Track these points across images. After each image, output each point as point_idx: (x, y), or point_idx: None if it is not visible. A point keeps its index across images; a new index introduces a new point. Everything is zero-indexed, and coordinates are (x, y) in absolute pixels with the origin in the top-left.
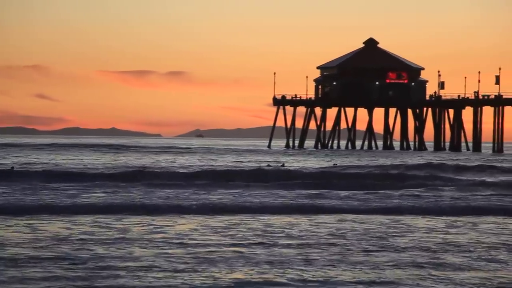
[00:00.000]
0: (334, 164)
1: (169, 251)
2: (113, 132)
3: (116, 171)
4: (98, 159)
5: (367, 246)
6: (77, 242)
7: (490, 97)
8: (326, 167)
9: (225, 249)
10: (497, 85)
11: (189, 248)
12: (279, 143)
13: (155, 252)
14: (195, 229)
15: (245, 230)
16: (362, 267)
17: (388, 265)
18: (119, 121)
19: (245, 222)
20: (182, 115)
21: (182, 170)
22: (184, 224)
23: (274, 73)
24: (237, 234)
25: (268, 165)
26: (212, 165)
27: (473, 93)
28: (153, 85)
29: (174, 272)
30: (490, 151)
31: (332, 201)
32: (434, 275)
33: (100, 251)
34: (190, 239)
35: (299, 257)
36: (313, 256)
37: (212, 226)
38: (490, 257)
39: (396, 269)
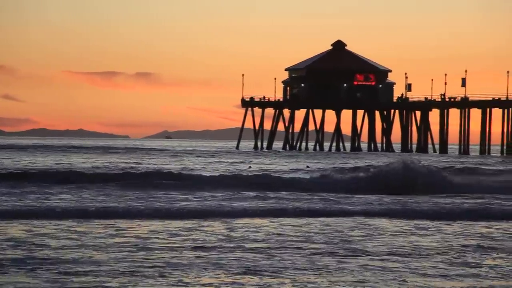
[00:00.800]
0: (307, 166)
1: (133, 255)
2: (81, 133)
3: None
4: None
5: (336, 250)
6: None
7: (457, 100)
8: (300, 169)
9: (189, 252)
10: (463, 88)
11: (153, 252)
12: (247, 145)
13: (119, 256)
14: (156, 233)
15: (208, 233)
16: (331, 271)
17: (359, 269)
18: (86, 122)
19: (206, 225)
20: (150, 116)
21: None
22: (142, 228)
23: (243, 75)
24: (200, 237)
25: (250, 167)
26: (187, 167)
27: (439, 95)
28: (120, 86)
29: (142, 277)
30: (457, 153)
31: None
32: (407, 280)
33: (56, 256)
34: (152, 242)
35: (268, 261)
36: (283, 259)
37: (170, 230)
38: (460, 261)
39: (365, 272)
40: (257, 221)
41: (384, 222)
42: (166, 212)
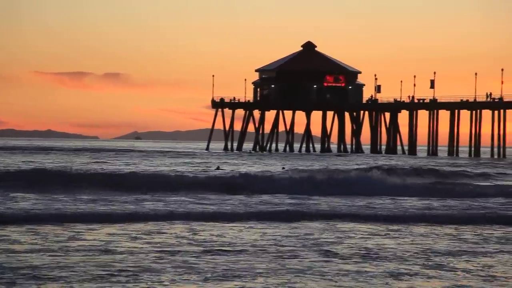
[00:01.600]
0: (282, 168)
1: (96, 258)
2: (49, 134)
3: None
4: None
5: (303, 253)
6: None
7: (425, 101)
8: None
9: (155, 255)
10: (432, 89)
11: (116, 256)
12: (217, 146)
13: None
14: (117, 236)
15: (171, 236)
16: (300, 274)
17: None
18: (55, 123)
19: (167, 228)
20: (120, 117)
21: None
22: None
23: (213, 76)
24: (164, 241)
25: (218, 167)
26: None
27: (408, 97)
28: (89, 86)
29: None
30: (425, 154)
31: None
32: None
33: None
34: (115, 246)
35: (239, 265)
36: (255, 263)
37: (130, 233)
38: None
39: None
40: (220, 224)
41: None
42: (120, 215)
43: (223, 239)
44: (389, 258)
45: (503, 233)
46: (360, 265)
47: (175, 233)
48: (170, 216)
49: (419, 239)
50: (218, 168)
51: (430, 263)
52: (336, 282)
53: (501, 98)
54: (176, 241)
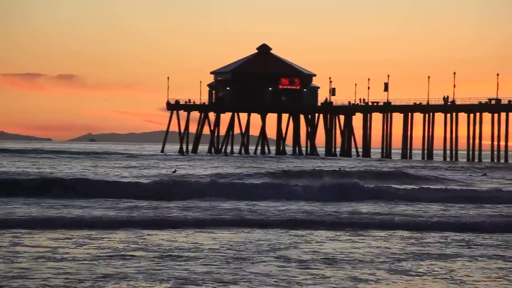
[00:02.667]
0: (173, 171)
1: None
2: (1, 136)
3: None
4: None
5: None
6: None
7: (379, 104)
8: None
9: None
10: (386, 92)
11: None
12: (172, 148)
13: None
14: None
15: (121, 242)
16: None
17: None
18: (7, 125)
19: (114, 234)
20: (74, 119)
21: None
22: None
23: (168, 78)
24: (114, 246)
25: (174, 171)
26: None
27: (359, 100)
28: (42, 88)
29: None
30: (379, 156)
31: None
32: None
33: None
34: (64, 253)
35: (202, 270)
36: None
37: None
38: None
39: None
40: (164, 231)
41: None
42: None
43: (175, 245)
44: (351, 263)
45: (463, 238)
46: (320, 270)
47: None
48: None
49: (377, 243)
50: (174, 172)
51: (384, 267)
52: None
53: (453, 101)
54: (128, 247)
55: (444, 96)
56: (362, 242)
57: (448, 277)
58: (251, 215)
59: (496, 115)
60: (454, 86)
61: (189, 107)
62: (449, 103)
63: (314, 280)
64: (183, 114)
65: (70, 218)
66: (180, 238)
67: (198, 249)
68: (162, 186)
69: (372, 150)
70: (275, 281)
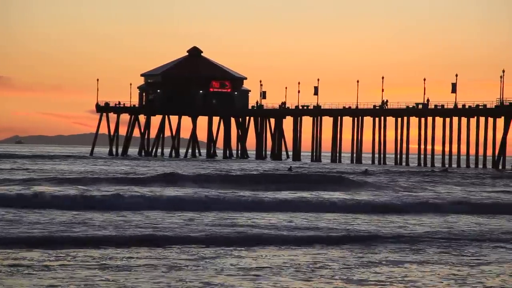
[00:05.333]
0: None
1: None
2: None
3: None
4: None
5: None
6: None
7: (309, 108)
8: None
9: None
10: (316, 96)
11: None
12: (102, 150)
13: None
14: None
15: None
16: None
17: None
18: None
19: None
20: (0, 121)
21: None
22: None
23: (97, 79)
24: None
25: (290, 168)
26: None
27: (280, 103)
28: None
29: None
30: (309, 160)
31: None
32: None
33: None
34: None
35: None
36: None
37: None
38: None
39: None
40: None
41: None
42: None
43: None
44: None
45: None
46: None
47: None
48: None
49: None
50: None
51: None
52: None
53: (381, 105)
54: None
55: (383, 100)
56: None
57: None
58: None
59: (423, 119)
60: (383, 90)
61: (119, 109)
62: (385, 107)
63: None
64: (113, 116)
65: None
66: None
67: None
68: None
69: (302, 154)
70: None
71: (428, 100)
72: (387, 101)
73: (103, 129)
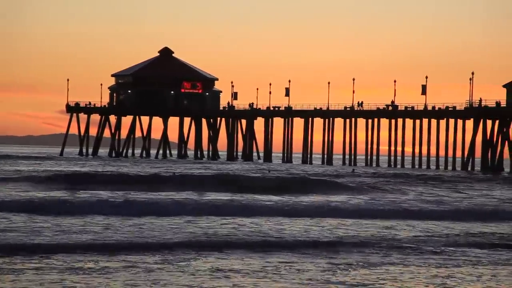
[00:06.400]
0: (173, 173)
1: None
2: None
3: None
4: None
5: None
6: None
7: (281, 109)
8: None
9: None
10: (287, 97)
11: None
12: (72, 151)
13: None
14: None
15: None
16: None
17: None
18: None
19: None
20: None
21: None
22: None
23: (68, 80)
24: None
25: (353, 171)
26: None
27: (249, 105)
28: None
29: None
30: (281, 161)
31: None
32: None
33: None
34: None
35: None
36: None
37: None
38: None
39: None
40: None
41: None
42: None
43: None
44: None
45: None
46: None
47: None
48: None
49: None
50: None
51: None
52: None
53: (352, 107)
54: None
55: (358, 102)
56: None
57: None
58: None
59: (393, 121)
60: (353, 92)
61: (89, 109)
62: (360, 109)
63: None
64: (83, 116)
65: None
66: None
67: None
68: None
69: (273, 155)
70: None
71: (393, 102)
72: (362, 102)
73: (74, 130)
